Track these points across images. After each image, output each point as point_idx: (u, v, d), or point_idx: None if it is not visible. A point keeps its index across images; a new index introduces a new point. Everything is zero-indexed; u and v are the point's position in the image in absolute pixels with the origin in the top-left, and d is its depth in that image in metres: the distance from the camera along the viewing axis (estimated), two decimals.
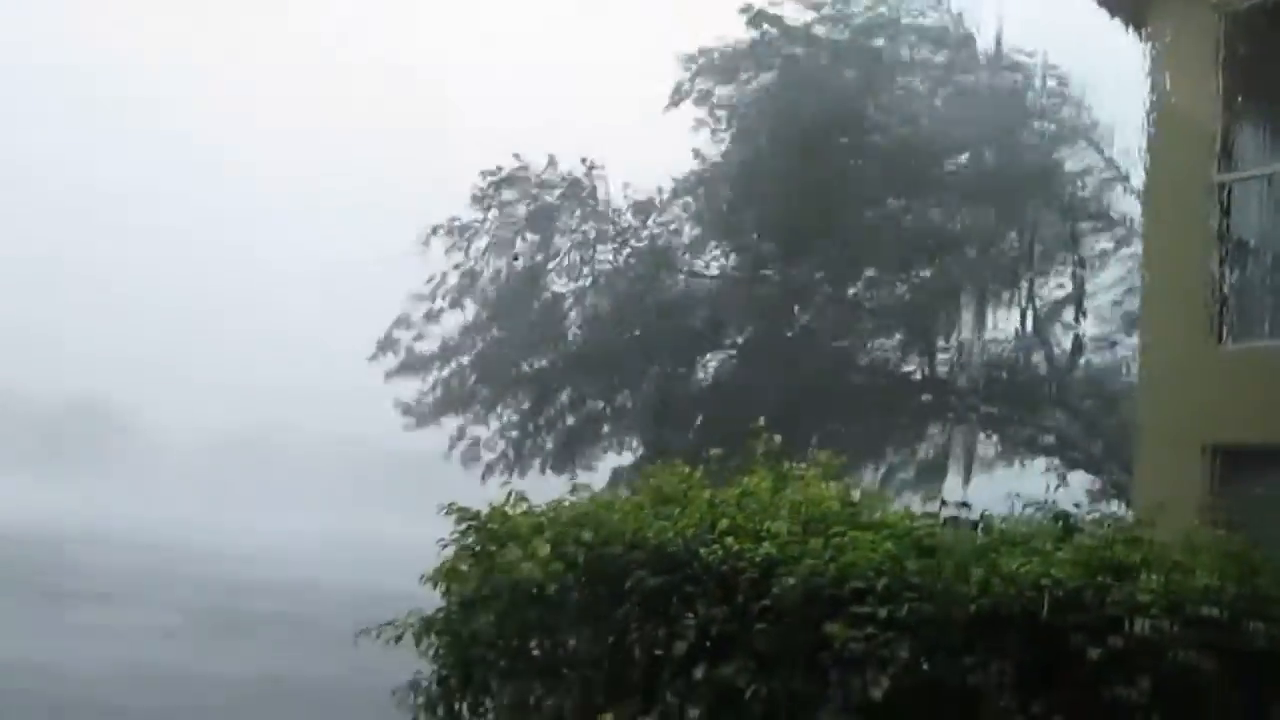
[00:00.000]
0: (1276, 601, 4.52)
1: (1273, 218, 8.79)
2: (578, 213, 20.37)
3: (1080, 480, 18.79)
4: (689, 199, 20.42)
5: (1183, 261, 8.95)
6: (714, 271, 20.79)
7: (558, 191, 20.26)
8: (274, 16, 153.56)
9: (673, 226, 20.64)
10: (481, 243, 20.31)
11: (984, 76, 19.81)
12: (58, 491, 58.07)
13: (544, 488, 6.78)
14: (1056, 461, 20.01)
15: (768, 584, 5.18)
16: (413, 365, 20.55)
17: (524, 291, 20.37)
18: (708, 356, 20.65)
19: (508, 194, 20.30)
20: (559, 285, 20.62)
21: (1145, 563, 4.74)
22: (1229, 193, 8.82)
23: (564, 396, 20.70)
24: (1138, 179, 14.77)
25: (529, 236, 20.40)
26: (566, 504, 6.39)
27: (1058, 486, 16.83)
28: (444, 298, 20.19)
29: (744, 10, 19.51)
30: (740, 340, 20.64)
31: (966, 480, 19.42)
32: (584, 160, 20.33)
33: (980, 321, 20.06)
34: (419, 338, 20.49)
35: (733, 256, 20.70)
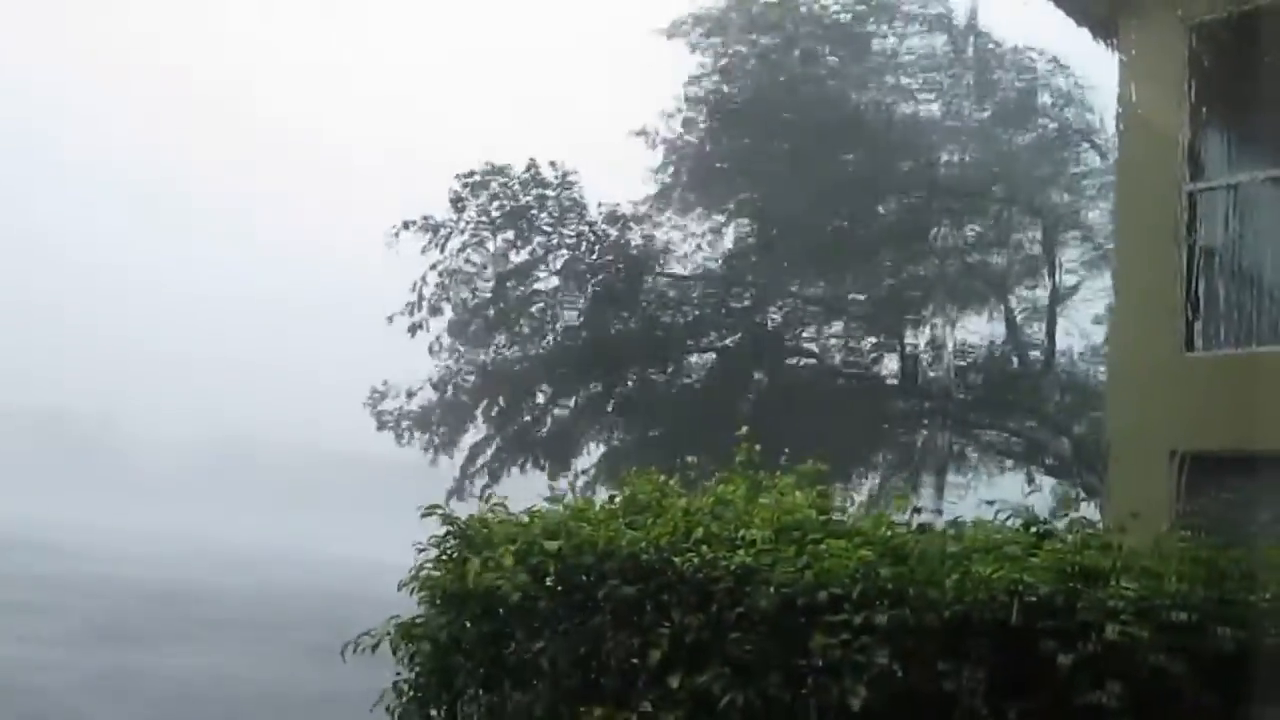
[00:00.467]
0: (1244, 605, 4.57)
1: (1240, 227, 8.89)
2: (552, 215, 20.31)
3: (1053, 486, 18.90)
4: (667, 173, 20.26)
5: (1152, 270, 9.04)
6: (689, 271, 20.76)
7: (535, 193, 20.20)
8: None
9: (653, 219, 20.51)
10: (456, 242, 20.25)
11: (981, 73, 19.83)
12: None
13: (532, 487, 6.78)
14: (1029, 467, 20.12)
15: (743, 592, 5.19)
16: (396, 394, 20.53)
17: (501, 291, 20.29)
18: (691, 359, 20.62)
19: (482, 196, 20.22)
20: (540, 284, 20.54)
21: (1116, 568, 4.78)
22: (1196, 202, 8.92)
23: (541, 396, 20.65)
24: None
25: (505, 237, 20.32)
26: (540, 511, 6.39)
27: (1030, 492, 16.93)
28: (426, 300, 20.04)
29: None
30: (717, 342, 20.62)
31: (940, 486, 19.51)
32: (554, 164, 20.35)
33: (954, 325, 20.15)
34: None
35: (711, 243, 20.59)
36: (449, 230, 20.19)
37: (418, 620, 6.33)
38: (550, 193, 20.18)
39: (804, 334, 20.88)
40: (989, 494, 5.84)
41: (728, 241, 20.65)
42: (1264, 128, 8.83)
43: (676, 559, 5.49)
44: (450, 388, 20.57)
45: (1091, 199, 19.57)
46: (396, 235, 19.98)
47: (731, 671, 5.13)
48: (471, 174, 20.26)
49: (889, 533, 5.39)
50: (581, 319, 20.28)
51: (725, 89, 20.20)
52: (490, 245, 20.33)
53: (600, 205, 20.38)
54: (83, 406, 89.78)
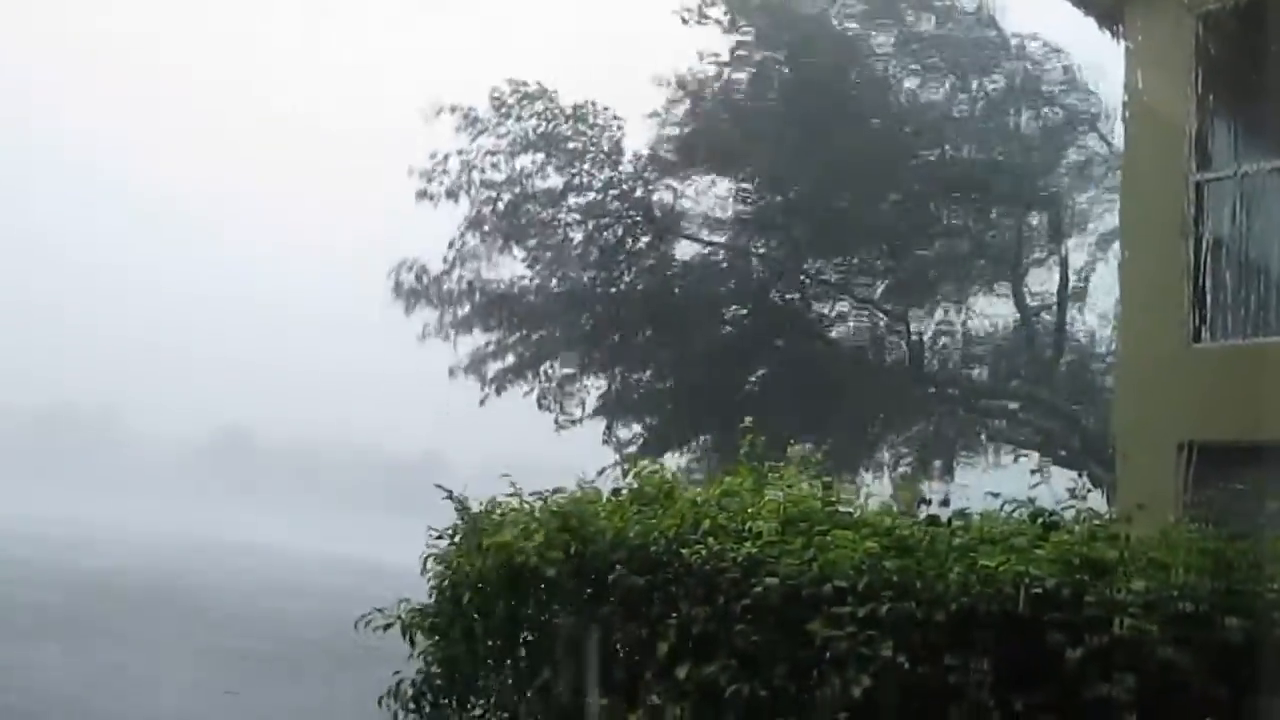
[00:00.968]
0: (1253, 596, 4.56)
1: (1247, 217, 8.86)
2: (589, 152, 20.00)
3: (1062, 476, 18.79)
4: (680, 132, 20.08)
5: (1159, 260, 9.02)
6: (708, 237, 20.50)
7: (576, 126, 19.90)
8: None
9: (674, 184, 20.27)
10: (488, 142, 19.90)
11: (992, 60, 19.69)
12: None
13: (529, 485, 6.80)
14: (1038, 457, 20.01)
15: (749, 583, 5.20)
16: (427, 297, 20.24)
17: (519, 206, 19.97)
18: (707, 328, 20.34)
19: (527, 111, 19.87)
20: (562, 214, 20.29)
21: (1123, 560, 4.78)
22: (1204, 192, 8.89)
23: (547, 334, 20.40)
24: None
25: (535, 158, 20.06)
26: (551, 497, 6.41)
27: (1037, 484, 16.83)
28: (441, 187, 19.73)
29: None
30: (732, 315, 20.43)
31: (947, 475, 19.45)
32: (593, 103, 20.04)
33: (966, 312, 20.04)
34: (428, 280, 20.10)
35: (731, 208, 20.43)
36: (484, 127, 19.89)
37: (440, 603, 6.40)
38: (591, 131, 19.96)
39: (819, 311, 20.63)
40: (995, 485, 5.83)
41: (735, 211, 20.39)
42: (1271, 117, 8.79)
43: (684, 550, 5.50)
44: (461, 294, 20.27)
45: (1108, 189, 19.40)
46: (438, 115, 19.70)
47: (738, 663, 5.15)
48: (523, 83, 19.95)
49: (895, 524, 5.40)
50: (595, 263, 20.05)
51: (756, 56, 19.88)
52: (518, 162, 20.05)
53: (635, 156, 20.14)
54: (84, 403, 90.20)
